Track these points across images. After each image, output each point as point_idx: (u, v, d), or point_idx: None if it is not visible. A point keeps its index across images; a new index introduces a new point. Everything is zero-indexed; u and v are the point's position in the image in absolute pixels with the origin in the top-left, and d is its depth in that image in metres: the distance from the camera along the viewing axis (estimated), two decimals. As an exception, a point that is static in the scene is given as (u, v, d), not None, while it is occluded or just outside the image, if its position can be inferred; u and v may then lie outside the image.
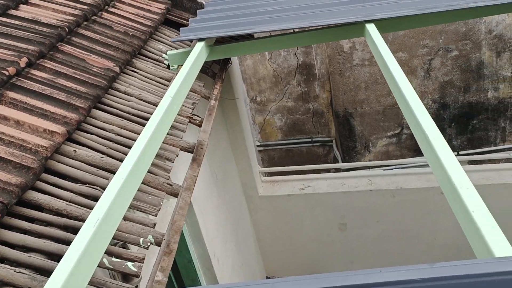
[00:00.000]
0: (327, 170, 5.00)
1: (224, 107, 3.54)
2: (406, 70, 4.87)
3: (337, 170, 5.09)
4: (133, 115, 1.96)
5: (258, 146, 6.30)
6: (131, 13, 2.72)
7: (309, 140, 6.11)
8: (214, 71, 2.89)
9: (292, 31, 2.71)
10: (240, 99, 3.63)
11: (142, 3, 2.88)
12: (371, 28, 2.29)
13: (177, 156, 1.86)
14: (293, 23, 2.54)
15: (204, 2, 3.12)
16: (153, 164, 1.74)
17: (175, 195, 1.63)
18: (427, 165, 4.27)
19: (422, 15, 2.31)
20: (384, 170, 4.34)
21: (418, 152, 5.25)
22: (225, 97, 3.36)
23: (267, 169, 4.48)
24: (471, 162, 4.43)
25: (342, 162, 5.47)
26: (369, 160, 5.25)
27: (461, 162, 4.50)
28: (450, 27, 4.50)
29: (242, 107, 3.71)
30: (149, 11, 2.83)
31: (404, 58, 4.80)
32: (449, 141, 5.17)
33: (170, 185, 1.66)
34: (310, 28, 2.68)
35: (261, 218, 4.15)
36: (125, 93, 2.08)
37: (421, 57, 4.76)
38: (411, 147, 5.27)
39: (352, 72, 4.79)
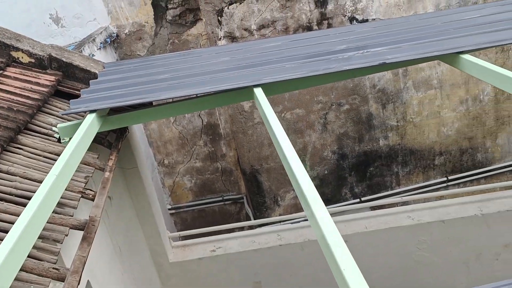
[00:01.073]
0: (241, 227, 5.01)
1: (126, 176, 3.46)
2: (305, 124, 5.16)
3: (250, 226, 5.12)
4: (17, 196, 1.85)
5: (169, 209, 6.17)
6: (17, 87, 2.63)
7: (221, 199, 6.12)
8: (111, 140, 2.84)
9: (187, 97, 2.77)
10: (143, 166, 3.58)
11: (29, 76, 2.80)
12: (259, 92, 2.42)
13: (66, 235, 1.76)
14: (186, 90, 2.61)
15: (97, 72, 3.11)
16: (38, 248, 1.64)
17: (62, 279, 1.53)
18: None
19: (304, 78, 2.50)
20: (292, 223, 4.45)
21: (324, 203, 5.46)
22: (122, 167, 3.29)
23: (177, 234, 4.38)
24: (373, 208, 4.70)
25: (254, 218, 5.52)
26: (279, 214, 5.35)
27: (364, 209, 4.74)
28: (339, 84, 4.89)
29: (146, 173, 3.65)
30: (37, 84, 2.75)
31: (302, 113, 5.09)
32: (351, 189, 5.47)
33: (57, 269, 1.56)
34: (204, 94, 2.77)
35: (174, 286, 3.99)
36: (7, 172, 1.97)
37: (317, 112, 5.08)
38: (318, 198, 5.46)
39: (255, 130, 4.96)
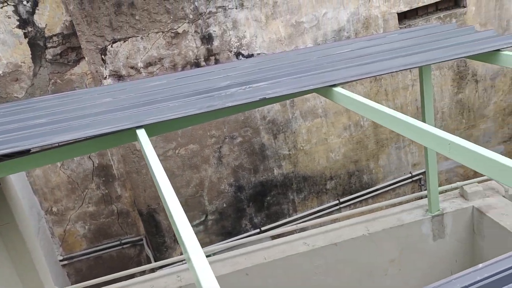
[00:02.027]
0: (143, 271, 4.79)
1: (2, 232, 3.14)
2: (200, 159, 5.15)
3: (152, 269, 4.91)
4: None
5: (61, 260, 5.70)
6: None
7: (118, 243, 5.81)
8: (-21, 195, 2.57)
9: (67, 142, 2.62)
10: (22, 218, 3.28)
11: None
12: (141, 133, 2.37)
13: None
14: (63, 136, 2.47)
15: (-38, 120, 2.83)
16: None
17: None
18: (231, 249, 4.43)
19: (188, 116, 2.50)
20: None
21: (225, 236, 5.45)
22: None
23: (70, 287, 4.05)
24: (274, 237, 4.77)
25: (154, 260, 5.31)
26: (180, 254, 5.22)
27: (264, 239, 4.76)
28: (231, 117, 4.98)
29: (26, 226, 3.35)
30: None
31: (196, 149, 5.08)
32: (251, 220, 5.53)
33: None
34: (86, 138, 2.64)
35: None
36: None
37: (211, 146, 5.10)
38: (218, 232, 5.44)
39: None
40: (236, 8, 4.69)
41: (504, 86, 6.14)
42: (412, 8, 5.45)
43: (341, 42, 3.98)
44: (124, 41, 4.38)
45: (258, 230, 5.51)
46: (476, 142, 6.30)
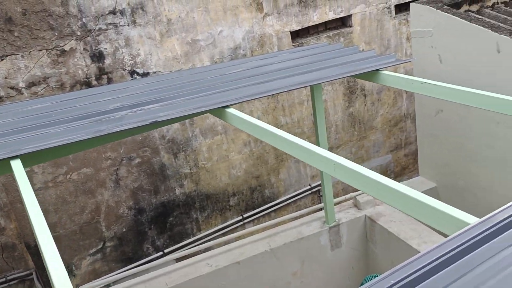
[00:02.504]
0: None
1: None
2: (95, 183, 4.86)
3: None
4: None
5: None
6: None
7: (4, 280, 5.26)
8: None
9: None
10: None
11: None
12: (16, 164, 2.15)
13: None
14: None
15: None
16: None
17: None
18: (132, 276, 4.22)
19: (69, 144, 2.33)
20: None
21: (126, 262, 5.19)
22: None
23: None
24: (178, 259, 4.63)
25: (46, 295, 4.88)
26: (76, 285, 4.86)
27: (168, 262, 4.58)
28: (127, 138, 4.77)
29: None
30: None
31: (91, 172, 4.79)
32: (153, 243, 5.33)
33: None
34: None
35: None
36: None
37: (107, 169, 4.85)
38: (118, 259, 5.16)
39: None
40: (129, 25, 4.53)
41: (389, 99, 6.65)
42: (304, 27, 5.70)
43: (236, 61, 4.01)
44: (2, 60, 4.01)
45: (161, 253, 5.33)
46: (367, 152, 6.74)
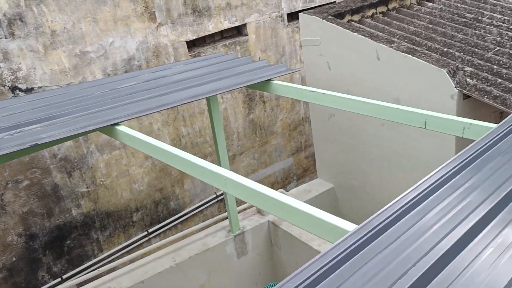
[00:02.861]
0: None
1: None
2: (-22, 211, 4.40)
3: None
4: None
5: None
6: None
7: None
8: None
9: None
10: None
11: None
12: None
13: None
14: None
15: None
16: None
17: None
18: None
19: None
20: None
21: (19, 294, 4.77)
22: None
23: None
24: (80, 284, 4.33)
25: None
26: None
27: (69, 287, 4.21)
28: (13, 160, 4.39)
29: None
30: None
31: (-29, 200, 4.33)
32: (49, 270, 4.96)
33: None
34: None
35: None
36: None
37: (-9, 194, 4.42)
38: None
39: None
40: (6, 38, 4.17)
41: (287, 104, 6.88)
42: (200, 36, 5.69)
43: (129, 74, 3.87)
44: None
45: (59, 279, 4.97)
46: (269, 156, 6.90)
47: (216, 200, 6.34)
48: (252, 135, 6.60)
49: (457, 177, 1.80)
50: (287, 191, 4.99)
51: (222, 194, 6.37)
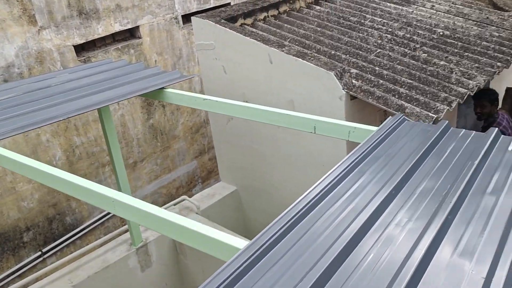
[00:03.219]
0: None
1: None
2: None
3: None
4: None
5: None
6: None
7: None
8: None
9: None
10: None
11: None
12: None
13: None
14: None
15: None
16: None
17: None
18: None
19: None
20: None
21: None
22: None
23: None
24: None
25: None
26: None
27: None
28: None
29: None
30: None
31: None
32: None
33: None
34: None
35: None
36: None
37: None
38: None
39: None
40: None
41: (187, 108, 6.77)
42: (88, 40, 5.38)
43: (7, 84, 3.52)
44: None
45: None
46: (172, 161, 6.76)
47: (117, 210, 6.06)
48: (153, 141, 6.41)
49: (345, 180, 1.87)
50: (190, 197, 4.92)
51: (123, 204, 6.11)
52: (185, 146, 6.93)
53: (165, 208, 4.58)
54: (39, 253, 5.26)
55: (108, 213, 5.96)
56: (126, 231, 4.41)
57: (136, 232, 4.13)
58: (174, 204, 4.70)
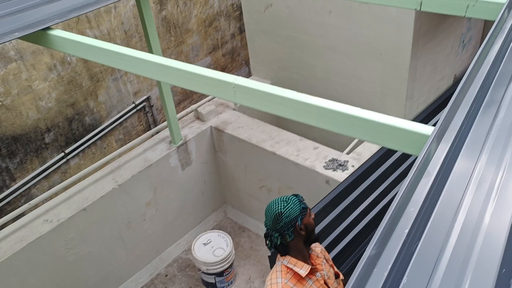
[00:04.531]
0: None
1: None
2: None
3: None
4: None
5: None
6: None
7: None
8: None
9: None
10: None
11: None
12: None
13: None
14: None
15: None
16: None
17: None
18: None
19: None
20: None
21: None
22: None
23: None
24: (4, 225, 3.72)
25: None
26: None
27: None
28: None
29: None
30: None
31: None
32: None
33: None
34: None
35: None
36: None
37: None
38: None
39: None
40: None
41: (200, -2, 6.22)
42: None
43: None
44: None
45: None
46: (187, 57, 6.36)
47: (135, 110, 5.78)
48: (167, 35, 5.95)
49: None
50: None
51: (141, 103, 5.83)
52: (199, 41, 6.48)
53: (200, 105, 4.33)
54: (62, 154, 5.06)
55: (126, 113, 5.68)
56: (164, 129, 4.19)
57: (176, 130, 3.91)
58: (209, 100, 4.44)
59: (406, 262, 0.91)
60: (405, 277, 0.88)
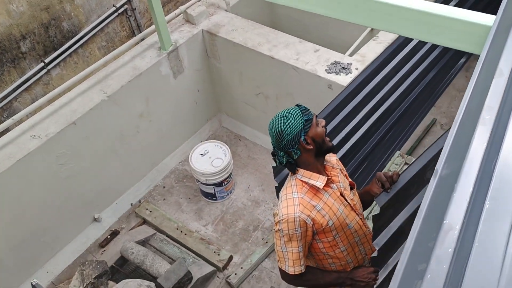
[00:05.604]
0: None
1: None
2: None
3: None
4: None
5: None
6: None
7: None
8: None
9: None
10: None
11: None
12: None
13: None
14: None
15: None
16: None
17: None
18: None
19: None
20: None
21: None
22: None
23: None
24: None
25: None
26: None
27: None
28: None
29: None
30: None
31: None
32: None
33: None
34: None
35: None
36: None
37: None
38: None
39: None
40: None
41: None
42: None
43: None
44: None
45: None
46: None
47: (116, 14, 5.32)
48: None
49: None
50: (211, -8, 4.22)
51: (122, 6, 5.35)
52: None
53: (189, 6, 3.95)
54: (42, 64, 4.70)
55: (107, 17, 5.23)
56: (151, 33, 3.84)
57: (165, 34, 3.59)
58: (198, 1, 4.05)
59: (486, 184, 0.76)
60: (487, 201, 0.74)
